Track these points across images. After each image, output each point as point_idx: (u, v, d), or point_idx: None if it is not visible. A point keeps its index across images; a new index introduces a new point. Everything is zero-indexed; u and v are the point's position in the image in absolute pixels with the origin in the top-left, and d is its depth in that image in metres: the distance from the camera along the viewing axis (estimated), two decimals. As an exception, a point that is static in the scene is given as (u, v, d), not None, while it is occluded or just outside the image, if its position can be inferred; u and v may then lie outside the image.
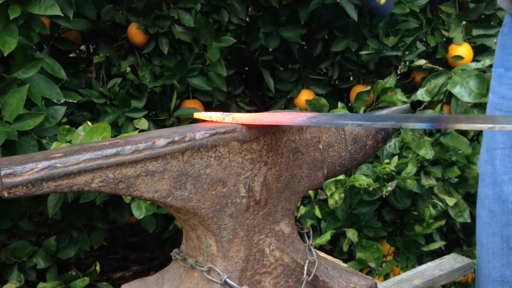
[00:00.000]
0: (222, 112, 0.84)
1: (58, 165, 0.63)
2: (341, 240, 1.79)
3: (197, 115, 0.86)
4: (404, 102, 1.76)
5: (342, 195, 1.64)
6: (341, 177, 1.64)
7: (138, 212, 1.43)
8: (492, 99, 1.22)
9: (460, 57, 2.02)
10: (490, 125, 0.55)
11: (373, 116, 0.73)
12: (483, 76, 1.69)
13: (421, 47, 2.08)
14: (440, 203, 1.81)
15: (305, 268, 0.84)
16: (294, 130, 0.83)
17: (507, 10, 1.19)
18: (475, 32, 2.12)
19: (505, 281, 1.23)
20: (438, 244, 1.86)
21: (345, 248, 1.75)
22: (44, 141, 1.46)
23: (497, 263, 1.23)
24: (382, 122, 0.66)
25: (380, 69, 2.17)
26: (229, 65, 1.95)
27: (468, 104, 1.79)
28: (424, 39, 2.14)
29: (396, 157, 1.73)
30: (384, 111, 0.96)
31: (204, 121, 0.85)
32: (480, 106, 1.80)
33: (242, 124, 0.78)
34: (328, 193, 1.64)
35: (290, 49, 2.09)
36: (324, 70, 2.32)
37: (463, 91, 1.71)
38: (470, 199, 1.96)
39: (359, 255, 1.70)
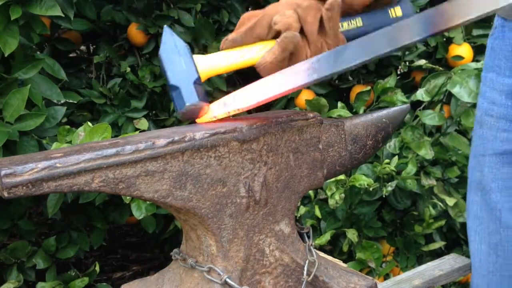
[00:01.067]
0: (224, 103, 0.82)
1: (58, 165, 0.63)
2: (341, 240, 1.79)
3: (199, 121, 0.84)
4: (404, 102, 1.76)
5: (343, 195, 1.64)
6: (342, 177, 1.64)
7: (138, 213, 1.43)
8: (482, 104, 1.18)
9: (460, 57, 2.02)
10: (491, 7, 0.51)
11: (366, 43, 0.69)
12: (483, 76, 1.69)
13: (421, 47, 2.09)
14: (440, 203, 1.82)
15: (305, 268, 0.84)
16: (294, 130, 0.83)
17: (497, 12, 1.18)
18: (475, 32, 2.12)
19: None
20: (438, 244, 1.87)
21: (345, 248, 1.75)
22: (44, 141, 1.46)
23: (484, 271, 1.21)
24: (383, 51, 0.62)
25: (380, 69, 2.17)
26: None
27: (468, 104, 1.79)
28: (424, 39, 2.14)
29: (396, 157, 1.73)
30: (384, 111, 0.96)
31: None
32: (480, 106, 1.79)
33: (248, 108, 0.78)
34: (329, 193, 1.64)
35: (290, 49, 2.09)
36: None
37: (463, 91, 1.71)
38: (470, 199, 1.96)
39: (359, 255, 1.70)
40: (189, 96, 0.80)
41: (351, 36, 0.84)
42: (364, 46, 0.67)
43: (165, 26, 0.85)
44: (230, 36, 0.83)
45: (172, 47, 0.82)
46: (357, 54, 0.66)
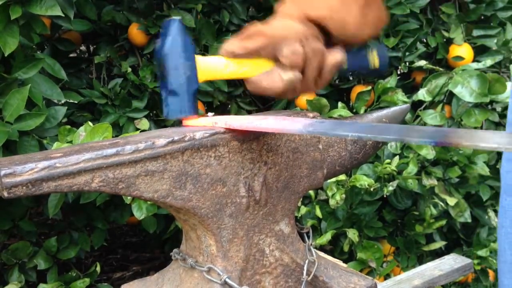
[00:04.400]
0: (213, 115, 0.81)
1: (58, 165, 0.63)
2: (342, 240, 1.79)
3: (186, 122, 0.82)
4: (405, 102, 1.76)
5: (343, 195, 1.64)
6: (342, 177, 1.64)
7: (139, 213, 1.43)
8: (510, 118, 1.17)
9: (460, 58, 2.02)
10: (495, 145, 0.54)
11: (373, 127, 0.71)
12: (484, 76, 1.69)
13: (421, 48, 2.08)
14: (441, 203, 1.82)
15: (305, 268, 0.84)
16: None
17: None
18: (476, 32, 2.12)
19: None
20: (439, 244, 1.87)
21: (346, 248, 1.75)
22: (45, 141, 1.46)
23: None
24: (383, 135, 0.64)
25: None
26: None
27: (469, 104, 1.79)
28: (425, 39, 2.14)
29: (397, 157, 1.73)
30: (384, 111, 0.96)
31: None
32: (481, 106, 1.80)
33: (234, 130, 0.76)
34: (330, 193, 1.64)
35: (290, 49, 2.09)
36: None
37: (464, 91, 1.71)
38: (471, 199, 1.96)
39: (359, 255, 1.70)
40: (186, 107, 0.80)
41: None
42: (369, 129, 0.69)
43: (177, 18, 0.80)
44: (232, 47, 0.81)
45: (180, 47, 0.79)
46: (355, 130, 0.68)
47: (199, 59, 0.82)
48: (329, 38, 0.87)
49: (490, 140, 0.55)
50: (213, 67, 0.82)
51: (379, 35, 1.79)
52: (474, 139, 0.56)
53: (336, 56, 0.85)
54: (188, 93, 0.80)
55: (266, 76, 0.81)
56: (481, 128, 1.96)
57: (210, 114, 0.82)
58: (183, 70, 0.79)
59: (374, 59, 0.92)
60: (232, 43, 0.82)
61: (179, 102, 0.80)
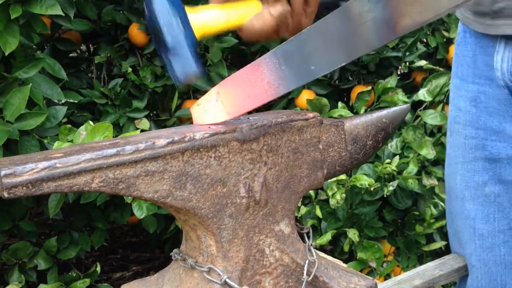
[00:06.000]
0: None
1: (58, 165, 0.63)
2: (342, 240, 1.79)
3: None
4: (405, 102, 1.76)
5: (343, 195, 1.64)
6: (342, 177, 1.64)
7: (140, 212, 1.43)
8: (451, 111, 1.17)
9: (461, 57, 2.01)
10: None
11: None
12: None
13: (421, 48, 2.09)
14: (441, 203, 1.81)
15: (305, 268, 0.84)
16: (294, 130, 0.83)
17: (460, 19, 1.14)
18: (476, 32, 2.12)
19: None
20: (439, 244, 1.87)
21: (346, 248, 1.75)
22: (45, 141, 1.46)
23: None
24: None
25: (380, 69, 2.17)
26: (231, 66, 1.95)
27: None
28: (425, 39, 2.14)
29: (397, 157, 1.73)
30: (384, 111, 0.96)
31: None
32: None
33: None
34: (330, 193, 1.64)
35: (291, 49, 2.09)
36: (325, 71, 2.32)
37: (464, 91, 1.71)
38: (471, 199, 1.96)
39: (360, 255, 1.70)
40: (190, 62, 0.78)
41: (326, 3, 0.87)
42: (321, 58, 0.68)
43: None
44: None
45: (168, 5, 0.77)
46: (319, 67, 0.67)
47: (191, 16, 0.80)
48: None
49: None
50: (206, 21, 0.81)
51: None
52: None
53: None
54: (189, 47, 0.78)
55: (257, 18, 0.81)
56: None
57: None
58: (177, 26, 0.77)
59: None
60: None
61: (182, 59, 0.78)
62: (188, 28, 0.79)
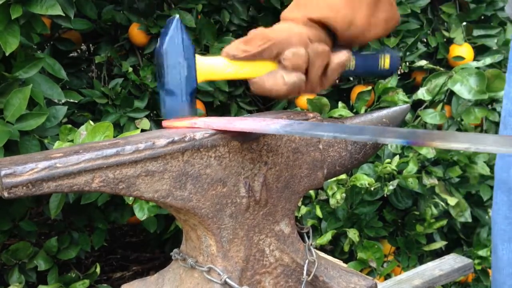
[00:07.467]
0: (192, 118, 0.80)
1: (58, 165, 0.63)
2: (342, 240, 1.79)
3: (165, 123, 0.81)
4: (406, 102, 1.76)
5: (344, 195, 1.64)
6: (343, 176, 1.64)
7: (141, 213, 1.43)
8: (506, 105, 1.17)
9: (461, 58, 2.02)
10: (466, 145, 0.54)
11: (349, 127, 0.71)
12: (482, 74, 1.69)
13: (422, 48, 2.09)
14: (441, 203, 1.81)
15: (305, 268, 0.84)
16: (294, 130, 0.83)
17: (510, 15, 1.17)
18: (476, 32, 2.12)
19: None
20: (439, 244, 1.87)
21: (346, 248, 1.75)
22: (46, 140, 1.46)
23: (511, 269, 1.20)
24: (357, 135, 0.64)
25: (381, 69, 2.17)
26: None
27: (469, 102, 1.79)
28: (425, 39, 2.14)
29: (397, 156, 1.73)
30: (384, 111, 0.96)
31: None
32: (480, 104, 1.80)
33: (214, 130, 0.76)
34: (330, 193, 1.64)
35: (291, 49, 2.09)
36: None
37: (463, 89, 1.71)
38: (471, 199, 1.96)
39: (360, 255, 1.70)
40: (183, 108, 0.79)
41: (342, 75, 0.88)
42: (345, 130, 0.69)
43: (175, 16, 0.79)
44: (234, 51, 0.81)
45: (178, 45, 0.78)
46: (331, 131, 0.67)
47: (199, 59, 0.81)
48: (336, 39, 0.87)
49: (462, 140, 0.56)
50: (213, 67, 0.81)
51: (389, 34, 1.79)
52: (446, 139, 0.57)
53: (340, 56, 0.85)
54: (186, 93, 0.79)
55: (269, 77, 0.81)
56: (481, 127, 1.96)
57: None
58: (181, 69, 0.78)
59: (385, 62, 0.92)
60: (233, 46, 0.82)
61: (176, 102, 0.79)
62: (191, 72, 0.79)
